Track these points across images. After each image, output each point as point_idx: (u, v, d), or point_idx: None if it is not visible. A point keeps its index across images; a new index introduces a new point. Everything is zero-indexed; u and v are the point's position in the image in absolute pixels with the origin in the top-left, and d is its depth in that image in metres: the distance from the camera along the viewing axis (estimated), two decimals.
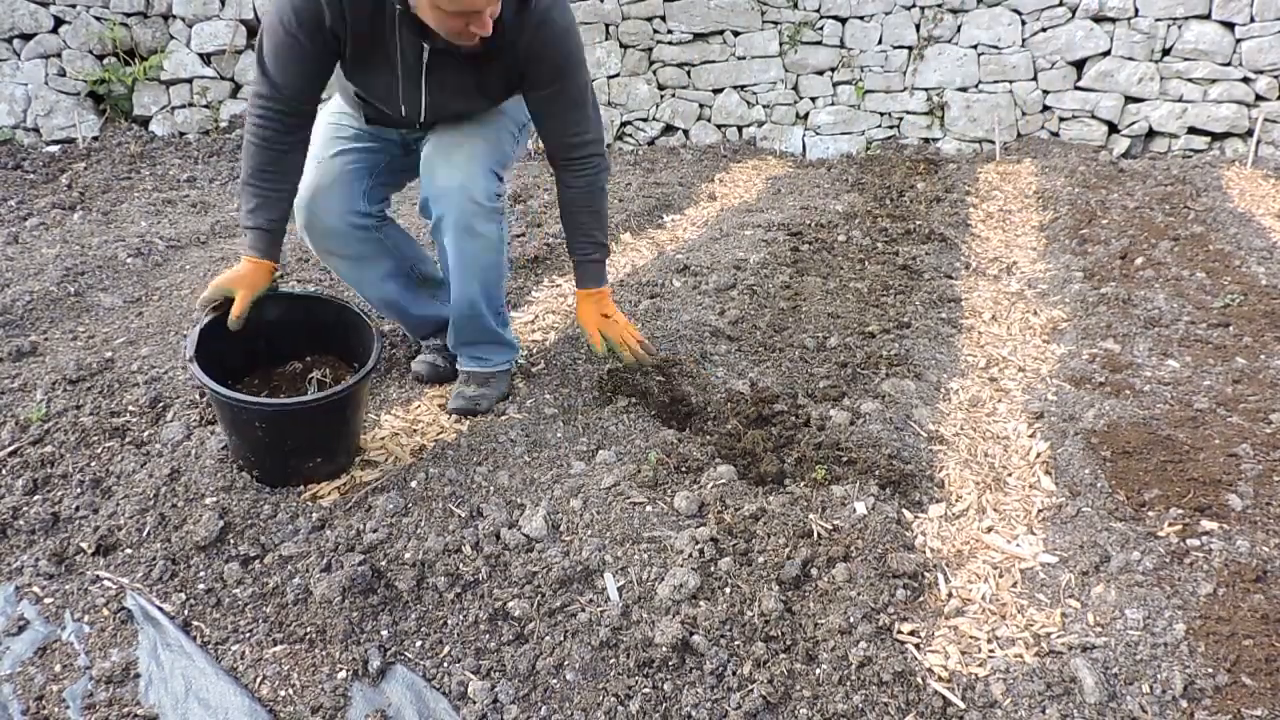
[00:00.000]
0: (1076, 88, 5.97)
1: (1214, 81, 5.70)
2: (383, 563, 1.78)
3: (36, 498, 2.00)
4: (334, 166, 2.22)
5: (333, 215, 2.23)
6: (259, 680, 1.61)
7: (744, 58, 6.42)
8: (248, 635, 1.69)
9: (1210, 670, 1.48)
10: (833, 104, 6.41)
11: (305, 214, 2.22)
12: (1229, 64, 5.66)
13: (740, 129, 6.63)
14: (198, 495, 1.95)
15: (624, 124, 6.72)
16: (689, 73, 6.54)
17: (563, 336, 2.87)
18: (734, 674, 1.56)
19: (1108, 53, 5.84)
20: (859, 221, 4.31)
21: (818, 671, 1.55)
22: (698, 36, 6.40)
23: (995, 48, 6.04)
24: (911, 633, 1.65)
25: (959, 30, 6.08)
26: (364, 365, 1.99)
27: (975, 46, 6.07)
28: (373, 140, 2.31)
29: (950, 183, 5.27)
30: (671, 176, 5.58)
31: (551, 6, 2.01)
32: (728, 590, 1.71)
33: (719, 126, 6.64)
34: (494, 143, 2.24)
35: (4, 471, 2.08)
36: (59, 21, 6.30)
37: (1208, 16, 5.62)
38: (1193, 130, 5.81)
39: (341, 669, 1.61)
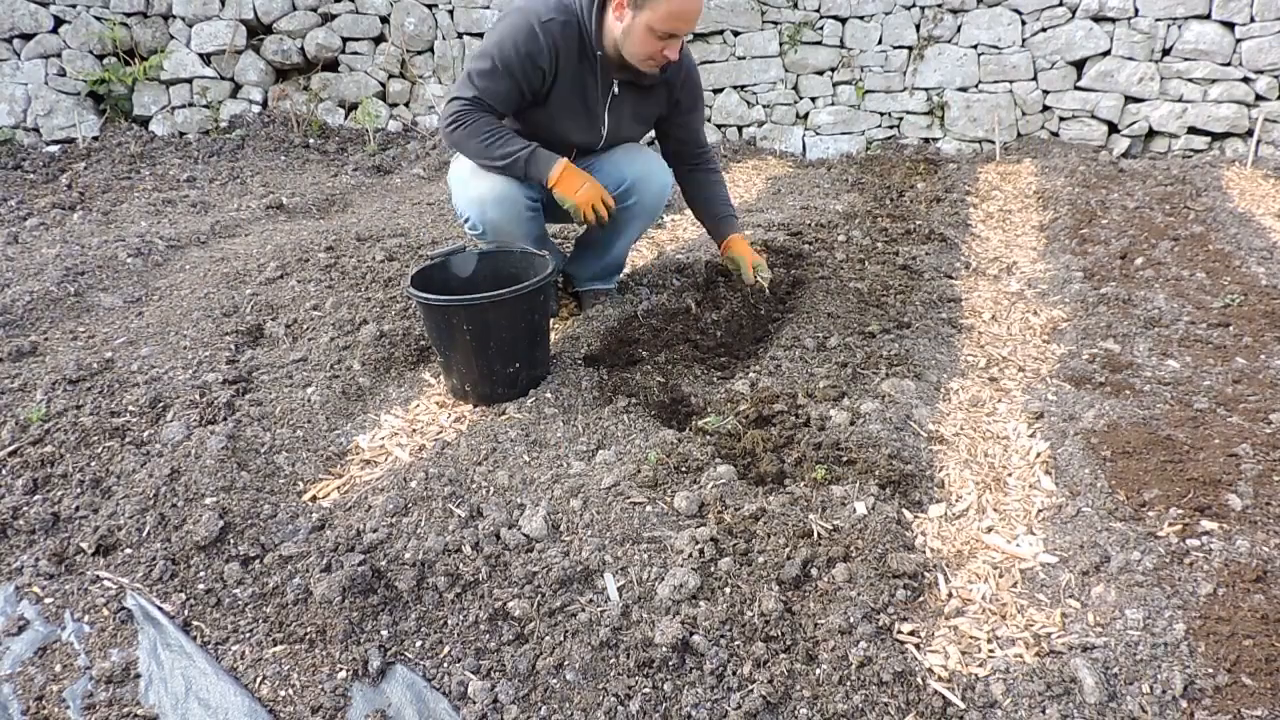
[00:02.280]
0: (1076, 88, 5.97)
1: (1214, 81, 5.70)
2: (383, 563, 1.78)
3: (36, 498, 2.00)
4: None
5: (516, 204, 2.71)
6: (259, 680, 1.61)
7: (744, 58, 6.42)
8: (248, 635, 1.69)
9: (1210, 670, 1.48)
10: (833, 104, 6.41)
11: (498, 207, 2.68)
12: (1229, 64, 5.66)
13: (740, 129, 6.63)
14: (198, 495, 1.96)
15: None
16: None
17: (563, 336, 2.87)
18: (734, 674, 1.56)
19: (1108, 53, 5.84)
20: (859, 221, 4.31)
21: (818, 671, 1.55)
22: (698, 36, 6.40)
23: (995, 48, 6.04)
24: (911, 633, 1.65)
25: (959, 30, 6.08)
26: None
27: (975, 46, 6.07)
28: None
29: (950, 183, 5.27)
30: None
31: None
32: (728, 590, 1.71)
33: (719, 126, 6.64)
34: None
35: (4, 471, 2.08)
36: (59, 21, 6.30)
37: (1208, 16, 5.62)
38: (1193, 130, 5.81)
39: (341, 669, 1.61)
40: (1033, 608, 1.72)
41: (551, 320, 2.69)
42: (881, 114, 6.37)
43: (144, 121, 6.54)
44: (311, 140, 6.32)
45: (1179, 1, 5.62)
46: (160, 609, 1.73)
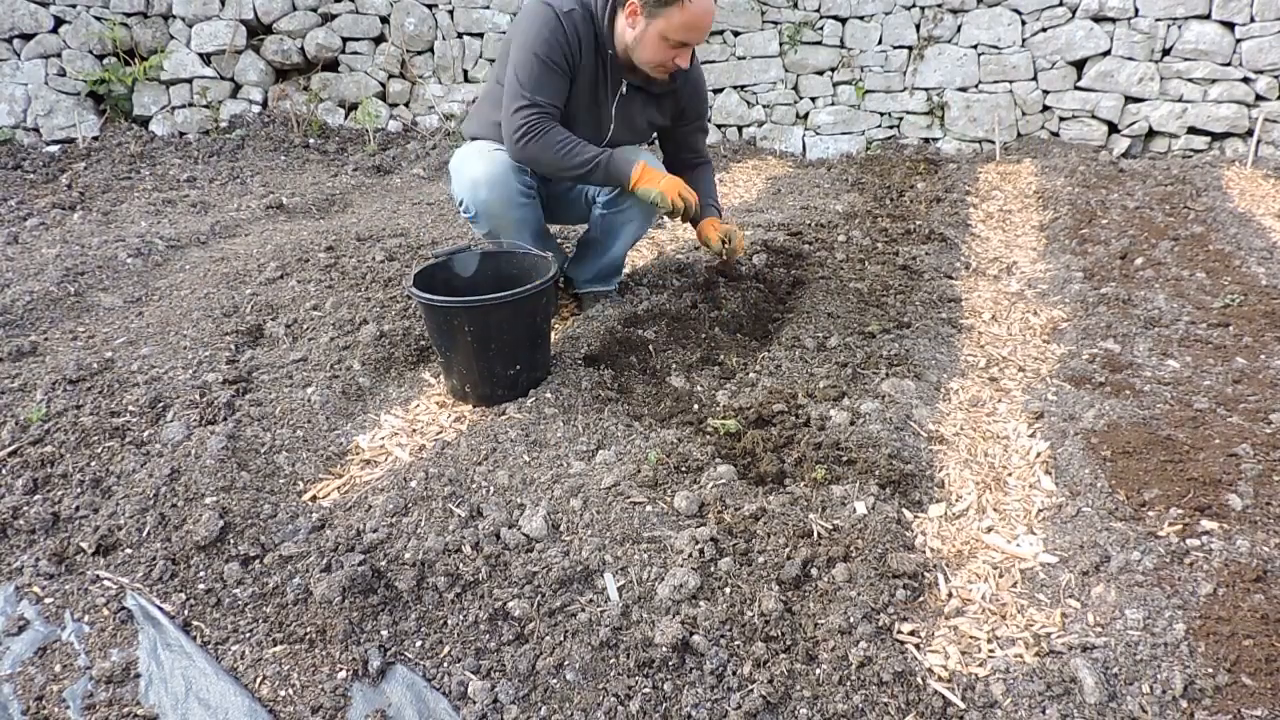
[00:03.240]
0: (1076, 88, 5.97)
1: (1214, 81, 5.70)
2: (383, 563, 1.78)
3: (36, 498, 2.00)
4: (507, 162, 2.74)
5: (508, 187, 2.73)
6: (259, 680, 1.61)
7: (744, 58, 6.42)
8: (248, 635, 1.69)
9: (1210, 670, 1.48)
10: (833, 104, 6.41)
11: (490, 189, 2.72)
12: (1229, 64, 5.66)
13: (740, 129, 6.63)
14: (198, 495, 1.96)
15: None
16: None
17: (563, 336, 2.87)
18: (734, 674, 1.56)
19: (1108, 53, 5.84)
20: (859, 221, 4.31)
21: (818, 671, 1.55)
22: None
23: (995, 48, 6.04)
24: (911, 633, 1.65)
25: (959, 30, 6.08)
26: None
27: (975, 46, 6.08)
28: None
29: (950, 183, 5.27)
30: None
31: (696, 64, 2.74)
32: (728, 590, 1.71)
33: (719, 126, 6.64)
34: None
35: (4, 471, 2.08)
36: (59, 21, 6.30)
37: (1208, 16, 5.62)
38: (1193, 130, 5.81)
39: (341, 669, 1.61)
40: (1033, 608, 1.72)
41: (551, 320, 2.71)
42: (881, 114, 6.37)
43: (144, 121, 6.54)
44: (311, 140, 6.33)
45: (1179, 1, 5.62)
46: (160, 609, 1.73)
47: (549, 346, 2.58)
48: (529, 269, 2.57)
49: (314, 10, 6.56)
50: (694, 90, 2.89)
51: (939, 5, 6.05)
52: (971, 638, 1.64)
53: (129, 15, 6.42)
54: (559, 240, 3.52)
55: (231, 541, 1.85)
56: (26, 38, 6.25)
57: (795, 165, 6.21)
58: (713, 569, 1.75)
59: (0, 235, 3.97)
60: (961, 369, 2.81)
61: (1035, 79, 6.03)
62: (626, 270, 3.61)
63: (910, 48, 6.18)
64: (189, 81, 6.55)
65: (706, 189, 3.05)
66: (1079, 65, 5.95)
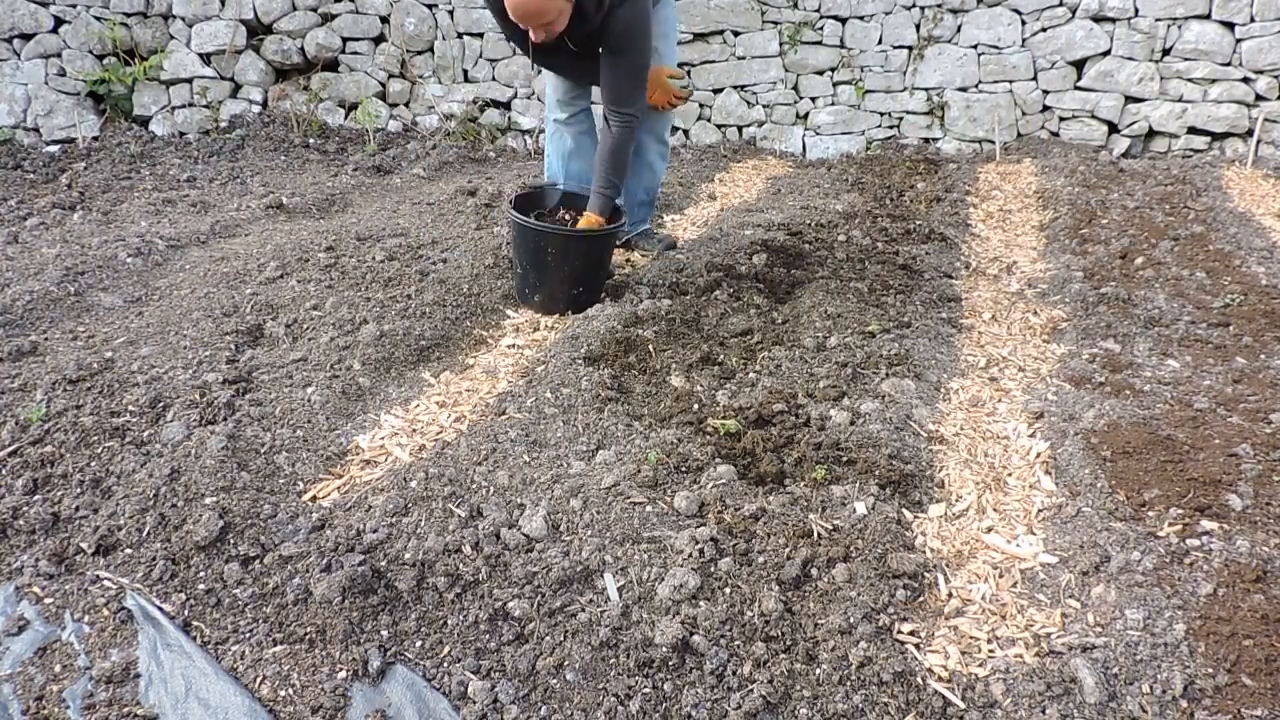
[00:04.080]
0: (1076, 88, 5.97)
1: (1214, 81, 5.69)
2: (383, 563, 1.78)
3: (36, 498, 2.00)
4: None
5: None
6: (259, 680, 1.61)
7: (744, 58, 6.42)
8: (248, 635, 1.69)
9: (1210, 670, 1.48)
10: (833, 104, 6.40)
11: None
12: (1229, 64, 5.66)
13: (740, 129, 6.63)
14: (198, 495, 1.96)
15: None
16: (689, 72, 6.53)
17: (563, 336, 2.87)
18: (734, 674, 1.56)
19: (1108, 53, 5.84)
20: (859, 221, 4.31)
21: (818, 671, 1.55)
22: (698, 36, 6.40)
23: (995, 48, 6.04)
24: (911, 633, 1.65)
25: (959, 30, 6.08)
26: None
27: (975, 46, 6.07)
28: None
29: (950, 183, 5.27)
30: (671, 176, 5.58)
31: (620, 5, 2.94)
32: (728, 590, 1.71)
33: (719, 126, 6.64)
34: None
35: (4, 471, 2.08)
36: (59, 21, 6.29)
37: (1208, 16, 5.62)
38: (1193, 130, 5.81)
39: (341, 669, 1.61)
40: (1033, 608, 1.72)
41: (612, 258, 3.35)
42: (881, 114, 6.37)
43: (144, 121, 6.54)
44: (311, 140, 6.32)
45: (1179, 1, 5.62)
46: (160, 609, 1.73)
47: (605, 278, 3.25)
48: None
49: (314, 10, 6.56)
50: (609, 32, 3.00)
51: (939, 5, 6.04)
52: (971, 638, 1.65)
53: (129, 15, 6.42)
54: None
55: (231, 541, 1.85)
56: (26, 38, 6.25)
57: (795, 165, 6.21)
58: (713, 569, 1.75)
59: (0, 235, 3.97)
60: (961, 369, 2.81)
61: (1035, 79, 6.03)
62: (626, 271, 3.61)
63: (910, 48, 6.18)
64: (189, 81, 6.55)
65: (600, 163, 3.16)
66: (1079, 65, 5.95)
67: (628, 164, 3.24)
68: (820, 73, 6.37)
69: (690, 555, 1.77)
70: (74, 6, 6.29)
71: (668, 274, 3.46)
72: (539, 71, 3.43)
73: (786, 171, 5.97)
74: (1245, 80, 5.64)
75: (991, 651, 1.61)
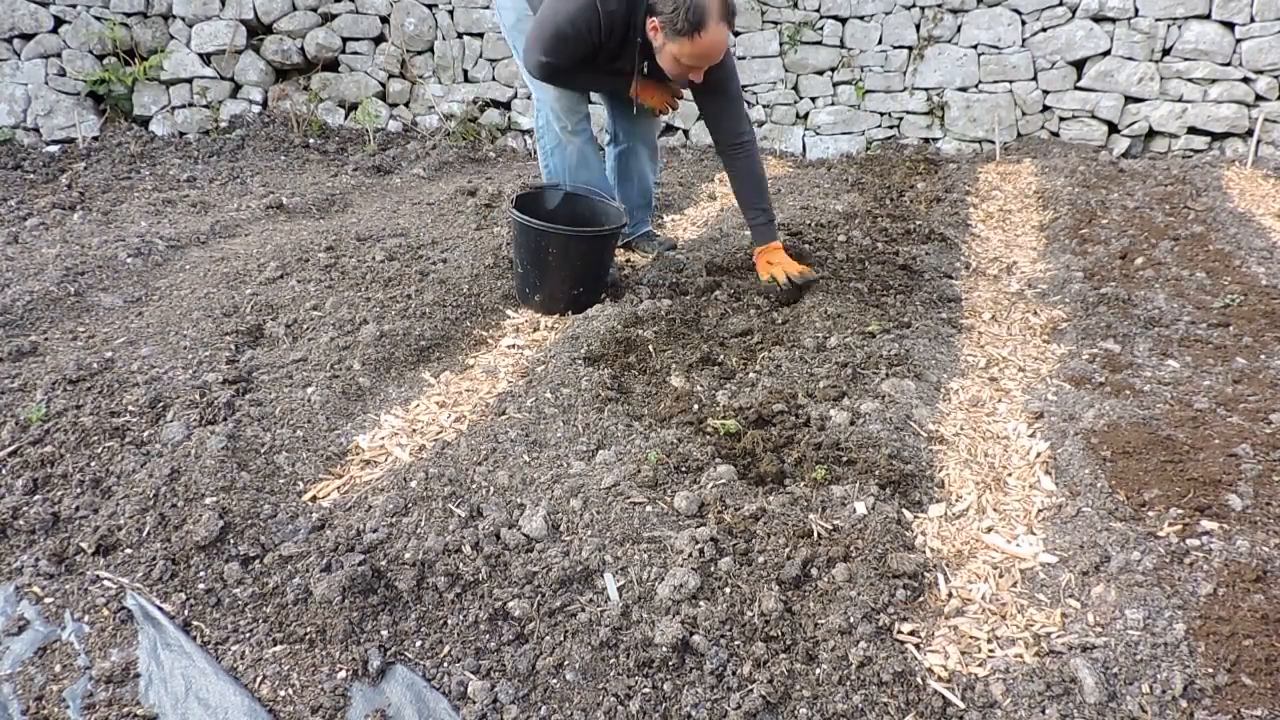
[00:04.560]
0: (1076, 88, 5.97)
1: (1214, 81, 5.69)
2: (383, 563, 1.78)
3: (36, 498, 2.00)
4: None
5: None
6: (259, 680, 1.61)
7: (744, 57, 6.42)
8: (248, 635, 1.69)
9: (1210, 670, 1.48)
10: (833, 104, 6.40)
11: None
12: (1229, 64, 5.66)
13: None
14: (198, 495, 1.96)
15: None
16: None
17: (563, 336, 2.87)
18: (734, 674, 1.56)
19: (1108, 53, 5.84)
20: (859, 221, 4.31)
21: (818, 671, 1.55)
22: None
23: (995, 48, 6.04)
24: (911, 633, 1.65)
25: (959, 30, 6.08)
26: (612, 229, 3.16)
27: (975, 46, 6.07)
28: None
29: (950, 183, 5.27)
30: (671, 176, 5.58)
31: None
32: (728, 590, 1.71)
33: None
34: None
35: (4, 471, 2.08)
36: (59, 21, 6.30)
37: (1208, 16, 5.62)
38: (1193, 130, 5.81)
39: (341, 669, 1.61)
40: (1033, 608, 1.72)
41: (614, 259, 3.37)
42: (881, 114, 6.37)
43: (144, 121, 6.54)
44: (311, 140, 6.32)
45: (1179, 1, 5.62)
46: (160, 609, 1.73)
47: (606, 279, 3.25)
48: (601, 213, 3.25)
49: (314, 10, 6.56)
50: (715, 66, 2.93)
51: (939, 5, 6.04)
52: (971, 638, 1.65)
53: (129, 15, 6.42)
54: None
55: (231, 541, 1.85)
56: (26, 38, 6.25)
57: (795, 165, 6.21)
58: (713, 569, 1.75)
59: (0, 235, 3.97)
60: (961, 369, 2.81)
61: (1035, 79, 6.03)
62: (626, 271, 3.61)
63: (910, 48, 6.18)
64: (189, 81, 6.55)
65: (746, 194, 3.19)
66: (1079, 65, 5.95)
67: (766, 182, 3.27)
68: (820, 73, 6.37)
69: (690, 555, 1.77)
70: (74, 6, 6.29)
71: (668, 274, 3.46)
72: (636, 111, 3.41)
73: (786, 171, 5.97)
74: (1245, 80, 5.64)
75: (991, 651, 1.61)
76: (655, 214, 4.46)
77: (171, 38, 6.54)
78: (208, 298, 3.11)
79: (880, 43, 6.20)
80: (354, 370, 2.63)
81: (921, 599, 1.74)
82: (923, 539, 1.91)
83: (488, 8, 6.48)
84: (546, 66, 3.00)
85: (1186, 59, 5.72)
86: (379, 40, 6.65)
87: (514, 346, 2.93)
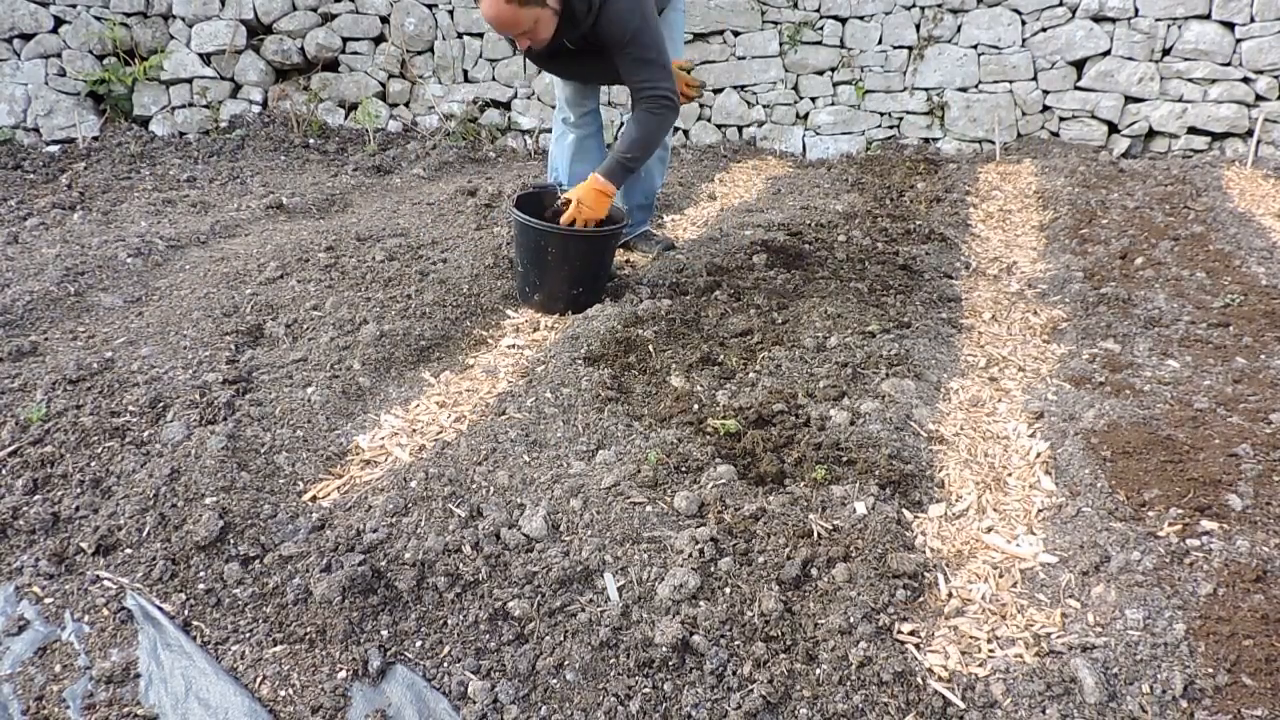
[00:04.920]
0: (1076, 88, 5.97)
1: (1214, 81, 5.69)
2: (383, 563, 1.78)
3: (36, 498, 2.00)
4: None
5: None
6: (259, 680, 1.61)
7: (744, 58, 6.42)
8: (248, 635, 1.69)
9: (1210, 670, 1.48)
10: (833, 104, 6.40)
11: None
12: (1229, 64, 5.66)
13: (740, 129, 6.63)
14: (198, 495, 1.96)
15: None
16: (689, 72, 6.54)
17: (563, 336, 2.87)
18: (734, 674, 1.56)
19: (1108, 53, 5.84)
20: (859, 221, 4.31)
21: (818, 671, 1.55)
22: (697, 36, 6.40)
23: (995, 48, 6.04)
24: (911, 633, 1.65)
25: (959, 30, 6.08)
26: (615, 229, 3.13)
27: (975, 46, 6.07)
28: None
29: (950, 183, 5.27)
30: (671, 176, 5.58)
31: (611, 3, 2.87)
32: (728, 590, 1.71)
33: (719, 126, 6.64)
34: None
35: (4, 471, 2.08)
36: (59, 21, 6.29)
37: (1208, 16, 5.62)
38: (1193, 130, 5.81)
39: (341, 669, 1.61)
40: (1033, 608, 1.72)
41: (614, 259, 3.35)
42: (881, 114, 6.37)
43: (144, 121, 6.54)
44: (311, 140, 6.32)
45: (1179, 1, 5.62)
46: (160, 609, 1.73)
47: (606, 280, 3.24)
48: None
49: (314, 10, 6.56)
50: (605, 29, 2.93)
51: (939, 5, 6.04)
52: (971, 638, 1.65)
53: (129, 15, 6.42)
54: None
55: (231, 541, 1.85)
56: (26, 38, 6.25)
57: (795, 165, 6.21)
58: (713, 569, 1.75)
59: (0, 235, 3.97)
60: (961, 369, 2.81)
61: (1035, 79, 6.03)
62: (626, 271, 3.61)
63: (910, 48, 6.18)
64: (189, 81, 6.55)
65: (618, 146, 3.06)
66: (1079, 65, 5.95)
67: (655, 146, 3.10)
68: (820, 73, 6.37)
69: (690, 555, 1.77)
70: (74, 6, 6.29)
71: (668, 274, 3.46)
72: (539, 71, 3.31)
73: (786, 172, 5.97)
74: (1245, 80, 5.64)
75: (991, 651, 1.61)
76: (655, 214, 4.45)
77: (171, 38, 6.54)
78: (208, 298, 3.11)
79: (880, 43, 6.20)
80: (354, 370, 2.63)
81: (921, 599, 1.74)
82: (923, 539, 1.91)
83: None
84: (530, 51, 3.01)
85: (1186, 59, 5.72)
86: (379, 40, 6.65)
87: (514, 346, 2.93)
